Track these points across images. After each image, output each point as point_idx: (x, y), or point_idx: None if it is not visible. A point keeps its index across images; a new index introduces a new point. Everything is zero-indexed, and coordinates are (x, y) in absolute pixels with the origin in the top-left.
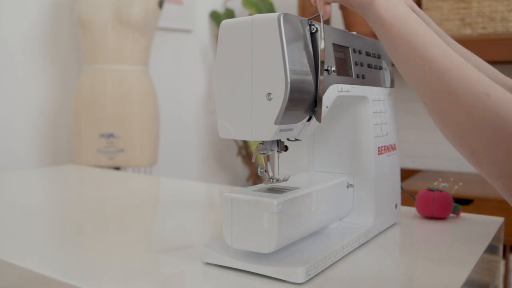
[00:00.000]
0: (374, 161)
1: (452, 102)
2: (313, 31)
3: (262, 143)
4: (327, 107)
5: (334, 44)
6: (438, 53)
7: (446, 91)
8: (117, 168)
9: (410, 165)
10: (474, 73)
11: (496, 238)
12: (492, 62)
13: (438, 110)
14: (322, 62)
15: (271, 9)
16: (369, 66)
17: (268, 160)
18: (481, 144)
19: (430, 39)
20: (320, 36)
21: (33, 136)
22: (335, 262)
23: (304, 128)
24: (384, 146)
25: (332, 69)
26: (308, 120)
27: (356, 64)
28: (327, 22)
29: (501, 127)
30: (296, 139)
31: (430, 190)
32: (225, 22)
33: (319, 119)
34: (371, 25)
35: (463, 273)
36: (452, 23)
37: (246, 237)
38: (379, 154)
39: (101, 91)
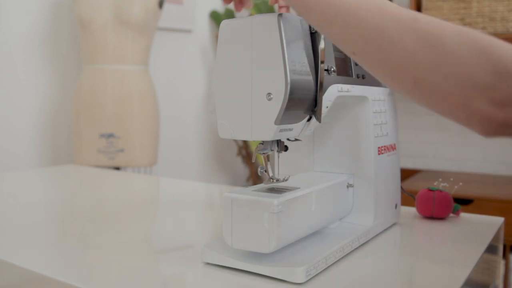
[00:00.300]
0: (374, 161)
1: (384, 40)
2: (313, 31)
3: (262, 143)
4: (327, 107)
5: (334, 44)
6: (368, 18)
7: (375, 33)
8: (117, 168)
9: (410, 165)
10: (397, 8)
11: (496, 238)
12: None
13: (371, 54)
14: (322, 62)
15: (271, 9)
16: None
17: (268, 160)
18: (422, 70)
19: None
20: (320, 36)
21: (33, 136)
22: (335, 262)
23: (304, 128)
24: (384, 146)
25: (332, 69)
26: (308, 120)
27: (356, 64)
28: None
29: (437, 44)
30: (296, 139)
31: (430, 190)
32: (225, 22)
33: (319, 119)
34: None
35: (463, 273)
36: (452, 23)
37: (246, 237)
38: (379, 154)
39: (101, 91)
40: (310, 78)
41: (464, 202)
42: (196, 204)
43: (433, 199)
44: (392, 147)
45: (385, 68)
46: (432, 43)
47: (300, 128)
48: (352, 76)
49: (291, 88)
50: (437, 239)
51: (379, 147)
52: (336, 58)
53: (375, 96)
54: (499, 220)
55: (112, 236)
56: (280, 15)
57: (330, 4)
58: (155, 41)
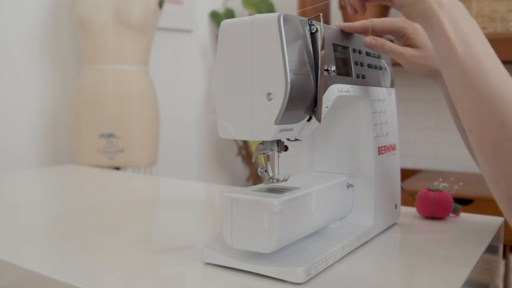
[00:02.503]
0: (374, 161)
1: (503, 133)
2: (313, 31)
3: (262, 143)
4: (327, 107)
5: (334, 44)
6: (496, 79)
7: (499, 122)
8: (117, 168)
9: (410, 165)
10: None
11: (496, 238)
12: None
13: (486, 139)
14: (322, 62)
15: (271, 9)
16: (369, 66)
17: (268, 160)
18: None
19: (493, 66)
20: (320, 36)
21: (33, 136)
22: (335, 262)
23: (304, 128)
24: (384, 146)
25: (332, 69)
26: (308, 120)
27: (356, 64)
28: (327, 22)
29: None
30: (296, 139)
31: (430, 190)
32: (225, 22)
33: (319, 119)
34: (432, 37)
35: (463, 273)
36: None
37: (246, 237)
38: (379, 154)
39: (101, 91)
40: (310, 78)
41: (464, 202)
42: (196, 204)
43: (433, 199)
44: (392, 147)
45: (492, 165)
46: None
47: (300, 128)
48: (352, 76)
49: (291, 88)
50: (437, 239)
51: (379, 147)
52: (336, 58)
53: (375, 96)
54: (499, 220)
55: (112, 236)
56: (280, 15)
57: (478, 73)
58: (155, 41)
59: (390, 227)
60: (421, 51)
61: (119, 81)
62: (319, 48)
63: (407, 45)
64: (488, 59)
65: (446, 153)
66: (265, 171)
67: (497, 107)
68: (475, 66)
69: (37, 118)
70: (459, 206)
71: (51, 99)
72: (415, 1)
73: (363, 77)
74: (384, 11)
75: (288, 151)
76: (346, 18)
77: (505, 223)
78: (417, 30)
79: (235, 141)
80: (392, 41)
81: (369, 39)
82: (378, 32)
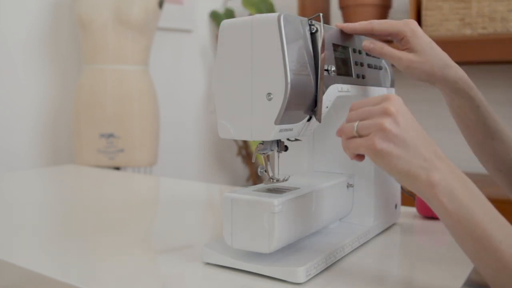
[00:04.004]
0: None
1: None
2: (313, 31)
3: (262, 143)
4: (327, 107)
5: (334, 44)
6: (509, 251)
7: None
8: (117, 168)
9: None
10: None
11: None
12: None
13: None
14: (322, 62)
15: (271, 9)
16: (369, 66)
17: (268, 160)
18: None
19: (499, 235)
20: (320, 36)
21: (33, 136)
22: (335, 262)
23: (304, 128)
24: None
25: (332, 69)
26: (308, 120)
27: (356, 64)
28: (327, 22)
29: None
30: (296, 139)
31: None
32: (225, 22)
33: (319, 119)
34: (436, 213)
35: (463, 273)
36: (452, 23)
37: (246, 237)
38: None
39: (101, 91)
40: (310, 78)
41: None
42: (196, 204)
43: None
44: None
45: None
46: None
47: (300, 128)
48: (352, 76)
49: (291, 88)
50: (437, 239)
51: None
52: (336, 58)
53: None
54: None
55: (112, 236)
56: (280, 15)
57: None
58: (155, 41)
59: (390, 227)
60: (419, 55)
61: (119, 81)
62: (319, 48)
63: (406, 49)
64: (498, 230)
65: (446, 153)
66: (265, 171)
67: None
68: (486, 242)
69: (37, 118)
70: None
71: (51, 99)
72: (411, 185)
73: (363, 77)
74: (383, 13)
75: (288, 151)
76: (346, 18)
77: None
78: (416, 34)
79: (235, 141)
80: (391, 41)
81: (367, 42)
82: (377, 34)
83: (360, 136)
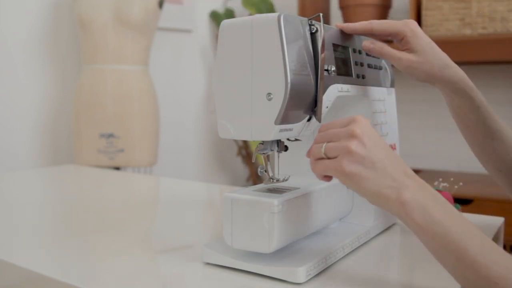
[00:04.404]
0: None
1: None
2: (313, 31)
3: (262, 143)
4: (327, 107)
5: (334, 44)
6: (485, 263)
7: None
8: (117, 168)
9: (410, 165)
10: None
11: (496, 238)
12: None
13: None
14: (322, 62)
15: (271, 9)
16: (369, 66)
17: (268, 160)
18: None
19: (475, 248)
20: (320, 36)
21: (33, 136)
22: (335, 262)
23: (304, 128)
24: None
25: (332, 69)
26: (308, 120)
27: (356, 64)
28: (327, 22)
29: None
30: (296, 139)
31: None
32: (225, 22)
33: (319, 119)
34: (412, 230)
35: None
36: (452, 23)
37: (246, 237)
38: None
39: (101, 91)
40: (310, 78)
41: (464, 202)
42: (196, 204)
43: None
44: (392, 147)
45: None
46: None
47: (300, 128)
48: (352, 76)
49: (291, 88)
50: None
51: None
52: (336, 58)
53: (375, 96)
54: (499, 220)
55: (112, 236)
56: (280, 15)
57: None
58: (155, 41)
59: (390, 227)
60: (419, 56)
61: (119, 81)
62: (319, 48)
63: (406, 49)
64: (472, 241)
65: (446, 153)
66: (265, 171)
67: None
68: (462, 255)
69: (37, 118)
70: (459, 206)
71: (51, 99)
72: (382, 205)
73: (363, 77)
74: (383, 13)
75: (288, 151)
76: (346, 18)
77: (505, 222)
78: (416, 34)
79: (235, 141)
80: (391, 41)
81: (367, 42)
82: (377, 34)
83: (328, 158)
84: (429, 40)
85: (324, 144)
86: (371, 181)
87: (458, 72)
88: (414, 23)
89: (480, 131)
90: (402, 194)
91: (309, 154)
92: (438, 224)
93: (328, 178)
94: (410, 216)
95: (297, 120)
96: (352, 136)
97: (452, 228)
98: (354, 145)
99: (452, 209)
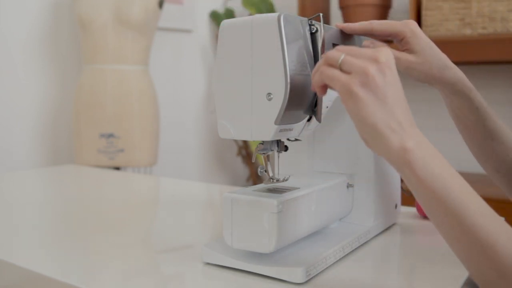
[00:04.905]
0: (374, 161)
1: (498, 278)
2: (313, 31)
3: (262, 143)
4: (327, 107)
5: (334, 44)
6: (481, 225)
7: (493, 268)
8: (117, 168)
9: None
10: None
11: None
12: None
13: (481, 279)
14: None
15: (271, 9)
16: None
17: (268, 160)
18: None
19: (473, 208)
20: (320, 36)
21: (33, 136)
22: (335, 262)
23: (304, 128)
24: None
25: None
26: (308, 120)
27: None
28: (327, 22)
29: None
30: (296, 139)
31: None
32: (225, 22)
33: (319, 119)
34: (408, 185)
35: (463, 273)
36: (452, 23)
37: (246, 237)
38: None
39: (101, 91)
40: (310, 78)
41: None
42: (196, 204)
43: None
44: None
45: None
46: None
47: (300, 128)
48: None
49: (291, 88)
50: (437, 239)
51: None
52: None
53: None
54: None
55: (112, 236)
56: (280, 15)
57: (447, 192)
58: (155, 41)
59: (390, 227)
60: (418, 56)
61: (119, 81)
62: (319, 48)
63: (405, 49)
64: (471, 200)
65: (446, 153)
66: (265, 171)
67: (490, 256)
68: (459, 212)
69: (37, 118)
70: None
71: (51, 99)
72: (382, 147)
73: None
74: (383, 14)
75: (288, 151)
76: (346, 18)
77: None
78: (415, 35)
79: (235, 141)
80: (391, 41)
81: (367, 43)
82: (377, 35)
83: (341, 70)
84: (429, 40)
85: (343, 55)
86: (375, 114)
87: (457, 73)
88: (414, 24)
89: (479, 132)
90: (405, 141)
91: (323, 60)
92: (439, 180)
93: (323, 90)
94: (411, 166)
95: (297, 120)
96: (375, 60)
97: (452, 186)
98: (374, 69)
99: (454, 171)
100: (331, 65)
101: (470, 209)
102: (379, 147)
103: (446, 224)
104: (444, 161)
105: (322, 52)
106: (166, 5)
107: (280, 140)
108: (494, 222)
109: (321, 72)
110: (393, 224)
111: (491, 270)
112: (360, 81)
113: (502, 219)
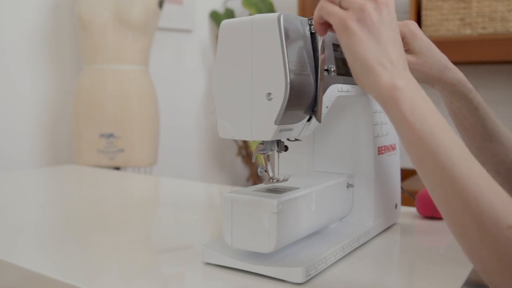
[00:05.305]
0: (374, 161)
1: (475, 231)
2: (313, 31)
3: (262, 143)
4: (327, 107)
5: (334, 44)
6: (466, 174)
7: (471, 220)
8: (117, 168)
9: (410, 165)
10: (500, 198)
11: None
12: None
13: (460, 233)
14: (322, 62)
15: (271, 9)
16: None
17: (268, 160)
18: (501, 282)
19: (458, 156)
20: (320, 36)
21: (33, 136)
22: (335, 262)
23: (304, 128)
24: (384, 146)
25: (332, 69)
26: (308, 120)
27: None
28: None
29: None
30: (296, 139)
31: None
32: (225, 22)
33: (319, 119)
34: (392, 123)
35: (463, 273)
36: (452, 23)
37: (246, 237)
38: (379, 154)
39: (101, 91)
40: (310, 78)
41: None
42: (196, 204)
43: None
44: (392, 147)
45: (473, 258)
46: None
47: (300, 128)
48: (352, 76)
49: (291, 88)
50: (437, 239)
51: (379, 147)
52: (336, 58)
53: None
54: None
55: (112, 236)
56: (280, 15)
57: (432, 139)
58: (155, 41)
59: (390, 227)
60: (418, 57)
61: (119, 81)
62: (319, 48)
63: (405, 50)
64: (456, 146)
65: None
66: (265, 171)
67: (468, 202)
68: (442, 156)
69: (37, 118)
70: None
71: (51, 99)
72: (371, 82)
73: None
74: None
75: (288, 151)
76: None
77: None
78: (415, 36)
79: (235, 141)
80: None
81: None
82: None
83: (340, 6)
84: (429, 41)
85: None
86: (369, 49)
87: (456, 74)
88: (414, 24)
89: (478, 133)
90: (396, 79)
91: None
92: (425, 123)
93: (323, 28)
94: (398, 104)
95: (297, 120)
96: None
97: (439, 131)
98: (371, 6)
99: (442, 118)
100: (331, 1)
101: (455, 157)
102: (369, 83)
103: (428, 168)
104: (433, 107)
105: (322, 52)
106: (166, 5)
107: (280, 140)
108: (479, 174)
109: (321, 7)
110: (393, 224)
111: (469, 219)
112: (356, 17)
113: (487, 174)
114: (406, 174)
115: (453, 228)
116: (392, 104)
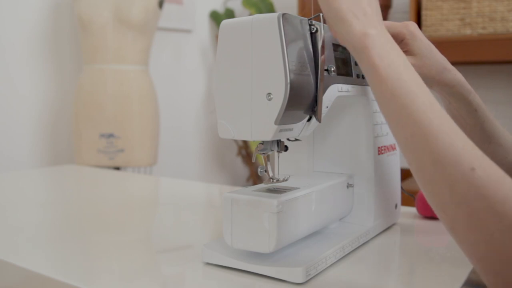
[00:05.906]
0: (374, 161)
1: (436, 172)
2: (313, 31)
3: (262, 143)
4: (327, 107)
5: (334, 44)
6: (430, 116)
7: (431, 160)
8: (117, 168)
9: None
10: (463, 141)
11: None
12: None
13: (421, 175)
14: (322, 62)
15: (271, 9)
16: None
17: (268, 160)
18: (460, 224)
19: (424, 99)
20: (320, 36)
21: (33, 136)
22: (335, 262)
23: (304, 128)
24: (384, 146)
25: (332, 69)
26: (308, 120)
27: (356, 64)
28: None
29: (481, 207)
30: (296, 139)
31: None
32: (225, 22)
33: (319, 119)
34: (363, 71)
35: (463, 273)
36: (452, 23)
37: (246, 237)
38: (379, 154)
39: (101, 91)
40: (310, 78)
41: None
42: (196, 204)
43: None
44: (392, 147)
45: (433, 199)
46: (476, 206)
47: (300, 128)
48: (352, 76)
49: (291, 88)
50: (437, 239)
51: (379, 147)
52: (336, 58)
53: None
54: None
55: (112, 236)
56: (280, 15)
57: (399, 86)
58: (155, 41)
59: (390, 227)
60: (417, 58)
61: (119, 81)
62: (319, 48)
63: (405, 51)
64: (421, 91)
65: None
66: (265, 171)
67: (430, 143)
68: (409, 102)
69: (37, 118)
70: None
71: (51, 99)
72: (344, 31)
73: (363, 77)
74: (383, 14)
75: (288, 151)
76: None
77: None
78: (415, 36)
79: (235, 141)
80: None
81: None
82: None
83: None
84: (428, 42)
85: None
86: (342, 1)
87: (456, 75)
88: (414, 25)
89: (477, 135)
90: (367, 28)
91: None
92: (393, 67)
93: None
94: (368, 51)
95: (297, 120)
96: None
97: (406, 77)
98: None
99: (411, 67)
100: None
101: (419, 100)
102: (342, 32)
103: (392, 110)
104: (403, 56)
105: (322, 52)
106: (166, 5)
107: (280, 140)
108: (441, 117)
109: None
110: (393, 224)
111: (427, 155)
112: None
113: (450, 119)
114: (406, 174)
115: (411, 162)
116: (362, 51)
